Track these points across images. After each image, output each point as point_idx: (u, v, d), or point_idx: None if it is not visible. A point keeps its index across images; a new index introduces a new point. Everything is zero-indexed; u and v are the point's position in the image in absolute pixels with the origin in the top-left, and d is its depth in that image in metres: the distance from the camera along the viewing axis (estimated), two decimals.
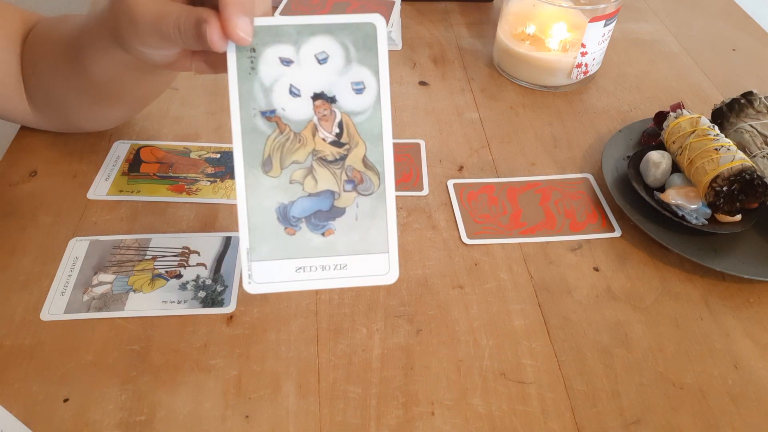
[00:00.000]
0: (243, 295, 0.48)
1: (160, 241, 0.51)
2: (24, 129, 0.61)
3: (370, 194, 0.36)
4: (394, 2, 0.78)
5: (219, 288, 0.48)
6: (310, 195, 0.35)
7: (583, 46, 0.66)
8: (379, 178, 0.35)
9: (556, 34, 0.69)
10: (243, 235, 0.35)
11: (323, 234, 0.35)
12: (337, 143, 0.35)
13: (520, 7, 0.70)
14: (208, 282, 0.48)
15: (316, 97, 0.35)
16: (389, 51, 0.75)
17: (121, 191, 0.55)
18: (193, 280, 0.48)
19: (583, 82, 0.71)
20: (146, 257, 0.50)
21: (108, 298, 0.47)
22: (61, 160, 0.58)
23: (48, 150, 0.59)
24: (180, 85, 0.67)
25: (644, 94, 0.71)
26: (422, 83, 0.71)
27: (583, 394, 0.43)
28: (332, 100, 0.35)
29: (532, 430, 0.41)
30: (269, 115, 0.34)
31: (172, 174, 0.57)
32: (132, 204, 0.54)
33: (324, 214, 0.35)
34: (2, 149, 0.59)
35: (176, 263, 0.50)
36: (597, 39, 0.67)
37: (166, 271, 0.49)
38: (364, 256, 0.36)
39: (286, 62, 0.34)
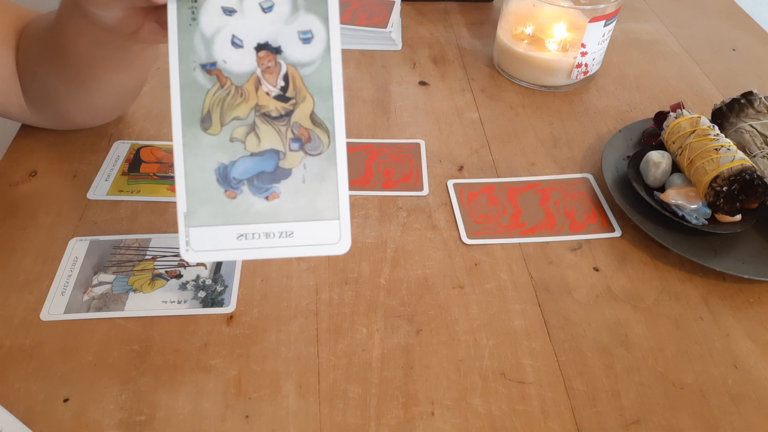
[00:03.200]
0: (243, 295, 0.48)
1: (160, 241, 0.51)
2: (24, 129, 0.61)
3: (318, 154, 0.33)
4: (394, 2, 0.78)
5: (219, 288, 0.48)
6: (252, 154, 0.33)
7: (583, 46, 0.66)
8: (329, 137, 0.33)
9: (556, 34, 0.69)
10: (180, 198, 0.33)
11: (267, 198, 0.33)
12: (282, 97, 0.33)
13: (520, 7, 0.70)
14: (208, 282, 0.48)
15: (260, 47, 0.32)
16: (389, 51, 0.75)
17: (121, 191, 0.55)
18: (193, 280, 0.48)
19: (583, 82, 0.71)
20: (146, 257, 0.50)
21: (108, 298, 0.47)
22: (61, 160, 0.58)
23: (48, 150, 0.59)
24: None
25: (644, 94, 0.71)
26: (422, 83, 0.71)
27: (583, 394, 0.43)
28: (277, 50, 0.32)
29: (532, 430, 0.41)
30: (209, 68, 0.32)
31: (172, 174, 0.57)
32: (132, 204, 0.54)
33: (268, 176, 0.33)
34: (2, 149, 0.59)
35: (176, 263, 0.50)
36: (597, 39, 0.67)
37: (166, 271, 0.49)
38: (312, 223, 0.33)
39: (229, 11, 0.32)
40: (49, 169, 0.57)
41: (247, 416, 0.41)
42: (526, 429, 0.41)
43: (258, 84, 0.33)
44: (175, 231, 0.52)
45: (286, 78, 0.33)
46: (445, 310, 0.48)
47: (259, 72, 0.33)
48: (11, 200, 0.54)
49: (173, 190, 0.56)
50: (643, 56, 0.77)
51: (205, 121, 0.33)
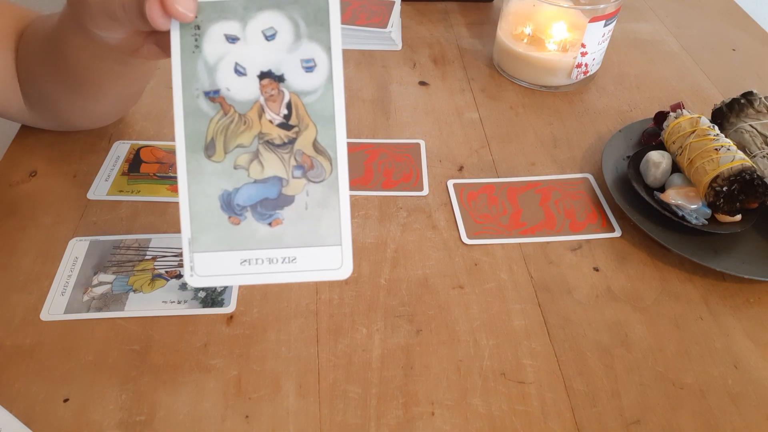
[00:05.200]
0: (243, 296, 0.48)
1: (160, 241, 0.51)
2: (24, 129, 0.61)
3: (321, 181, 0.33)
4: (394, 2, 0.78)
5: (219, 288, 0.48)
6: (256, 181, 0.33)
7: (583, 46, 0.66)
8: (331, 164, 0.33)
9: (556, 34, 0.69)
10: (184, 224, 0.33)
11: (270, 224, 0.33)
12: (285, 125, 0.33)
13: (520, 7, 0.70)
14: None
15: (263, 75, 0.33)
16: (389, 51, 0.75)
17: (121, 191, 0.55)
18: None
19: (583, 82, 0.71)
20: (146, 257, 0.50)
21: (108, 298, 0.47)
22: (61, 160, 0.58)
23: (48, 150, 0.59)
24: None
25: (644, 94, 0.71)
26: (422, 83, 0.71)
27: (583, 394, 0.43)
28: (280, 79, 0.33)
29: (532, 430, 0.41)
30: (213, 95, 0.32)
31: (172, 174, 0.57)
32: (132, 204, 0.54)
33: (271, 203, 0.33)
34: (2, 149, 0.59)
35: (176, 263, 0.50)
36: (597, 39, 0.67)
37: (166, 271, 0.49)
38: (314, 249, 0.33)
39: (232, 39, 0.32)
40: (49, 169, 0.57)
41: (247, 416, 0.41)
42: (526, 429, 0.41)
43: (261, 112, 0.33)
44: (175, 231, 0.52)
45: (289, 106, 0.33)
46: (445, 310, 0.48)
47: (262, 100, 0.33)
48: (11, 200, 0.54)
49: (173, 190, 0.56)
50: (643, 56, 0.77)
51: (209, 149, 0.33)
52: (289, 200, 0.33)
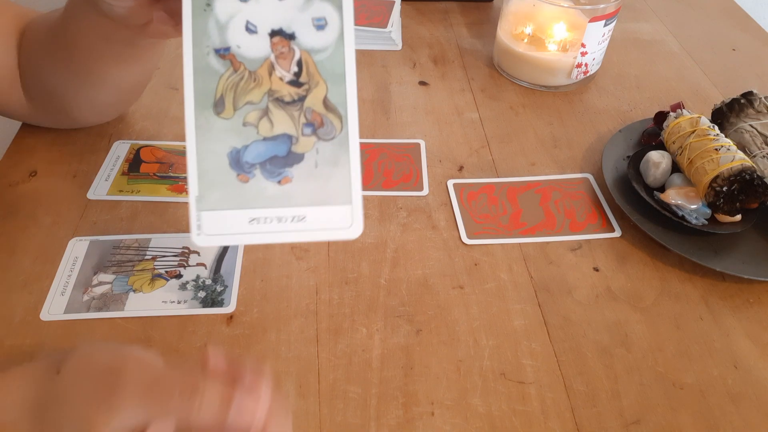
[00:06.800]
0: (243, 295, 0.48)
1: (160, 241, 0.51)
2: (24, 129, 0.61)
3: (331, 139, 0.33)
4: (394, 2, 0.78)
5: (219, 288, 0.48)
6: (265, 139, 0.33)
7: (583, 46, 0.67)
8: (341, 122, 0.33)
9: (556, 34, 0.69)
10: (192, 182, 0.32)
11: (279, 182, 0.33)
12: (295, 83, 0.33)
13: (520, 7, 0.70)
14: (208, 282, 0.48)
15: (274, 33, 0.32)
16: (389, 51, 0.75)
17: (121, 191, 0.55)
18: (193, 280, 0.48)
19: (583, 82, 0.71)
20: (146, 257, 0.50)
21: (108, 298, 0.47)
22: (61, 160, 0.58)
23: (48, 150, 0.59)
24: (180, 85, 0.67)
25: (644, 94, 0.71)
26: (422, 83, 0.71)
27: (583, 394, 0.43)
28: (291, 36, 0.32)
29: (532, 430, 0.41)
30: (223, 52, 0.32)
31: (172, 174, 0.57)
32: (132, 204, 0.54)
33: (280, 160, 0.33)
34: (2, 149, 0.59)
35: (176, 263, 0.50)
36: (597, 39, 0.67)
37: (166, 271, 0.49)
38: (324, 207, 0.33)
39: None
40: (49, 169, 0.57)
41: None
42: (526, 429, 0.41)
43: (271, 69, 0.33)
44: (175, 231, 0.52)
45: (299, 63, 0.33)
46: (445, 310, 0.48)
47: (272, 57, 0.33)
48: (11, 200, 0.54)
49: (173, 190, 0.56)
50: (643, 56, 0.77)
51: (218, 105, 0.32)
52: (298, 158, 0.33)
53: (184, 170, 0.57)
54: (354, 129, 0.33)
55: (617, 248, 0.53)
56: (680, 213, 0.52)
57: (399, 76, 0.72)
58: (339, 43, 0.33)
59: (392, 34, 0.75)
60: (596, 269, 0.52)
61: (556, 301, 0.49)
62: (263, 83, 0.33)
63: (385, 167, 0.59)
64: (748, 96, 0.59)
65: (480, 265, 0.51)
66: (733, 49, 0.80)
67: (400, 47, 0.76)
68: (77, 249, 0.50)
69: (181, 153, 0.59)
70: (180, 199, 0.55)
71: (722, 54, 0.79)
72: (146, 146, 0.60)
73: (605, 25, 0.66)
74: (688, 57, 0.78)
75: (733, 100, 0.59)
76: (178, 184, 0.56)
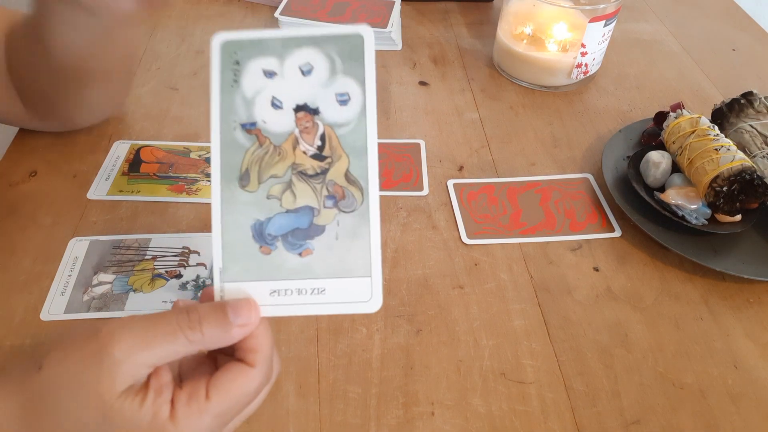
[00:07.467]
0: None
1: (160, 241, 0.51)
2: (24, 129, 0.61)
3: (352, 211, 0.33)
4: (394, 2, 0.78)
5: None
6: (287, 211, 0.33)
7: (583, 46, 0.67)
8: (362, 194, 0.33)
9: (556, 34, 0.69)
10: (216, 253, 0.33)
11: (300, 254, 0.33)
12: (318, 156, 0.34)
13: (520, 7, 0.70)
14: (208, 282, 0.48)
15: (299, 108, 0.34)
16: (389, 51, 0.75)
17: (121, 191, 0.55)
18: (193, 280, 0.48)
19: (583, 82, 0.71)
20: (146, 257, 0.50)
21: (108, 298, 0.47)
22: (61, 160, 0.58)
23: (48, 150, 0.59)
24: (180, 85, 0.67)
25: (644, 94, 0.71)
26: (422, 83, 0.71)
27: (583, 394, 0.43)
28: (315, 111, 0.34)
29: (532, 430, 0.41)
30: (249, 127, 0.33)
31: (172, 174, 0.57)
32: (132, 204, 0.54)
33: (302, 233, 0.33)
34: (2, 149, 0.59)
35: (176, 263, 0.50)
36: (597, 39, 0.67)
37: (166, 271, 0.49)
38: (343, 280, 0.33)
39: (270, 74, 0.33)
40: (49, 169, 0.57)
41: None
42: (526, 429, 0.41)
43: (296, 143, 0.34)
44: (175, 231, 0.52)
45: (323, 138, 0.34)
46: (445, 310, 0.48)
47: (297, 132, 0.34)
48: (11, 200, 0.54)
49: (173, 190, 0.56)
50: (643, 56, 0.77)
51: (244, 179, 0.33)
52: (319, 230, 0.34)
53: (184, 170, 0.57)
54: (375, 201, 0.33)
55: (617, 248, 0.53)
56: (680, 213, 0.52)
57: (399, 76, 0.72)
58: (361, 117, 0.33)
59: (392, 35, 0.75)
60: (596, 269, 0.52)
61: (556, 301, 0.49)
62: (287, 157, 0.34)
63: (385, 167, 0.59)
64: (748, 96, 0.59)
65: (480, 265, 0.51)
66: (733, 49, 0.80)
67: (400, 47, 0.76)
68: (77, 249, 0.50)
69: (181, 153, 0.60)
70: (180, 199, 0.55)
71: (722, 54, 0.79)
72: (146, 146, 0.60)
73: (605, 25, 0.66)
74: (688, 57, 0.78)
75: (733, 100, 0.59)
76: (178, 184, 0.56)
